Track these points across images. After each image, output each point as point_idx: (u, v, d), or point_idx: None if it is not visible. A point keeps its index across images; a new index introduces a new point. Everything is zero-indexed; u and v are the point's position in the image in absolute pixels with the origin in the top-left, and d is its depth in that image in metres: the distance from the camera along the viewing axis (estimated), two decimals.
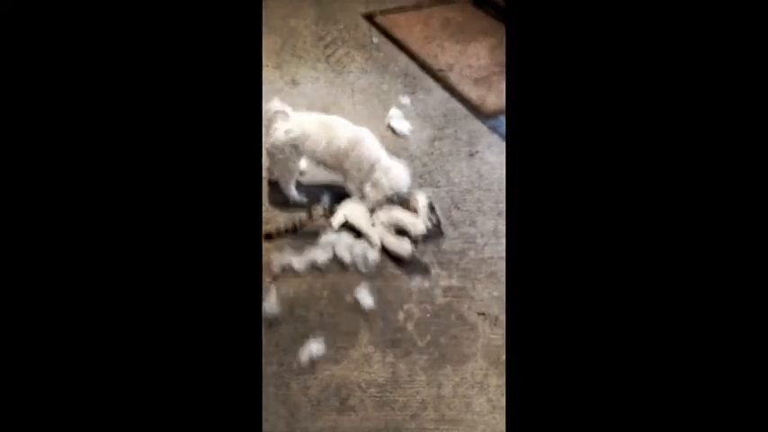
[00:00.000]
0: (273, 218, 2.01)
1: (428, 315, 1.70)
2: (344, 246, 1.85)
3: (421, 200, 1.93)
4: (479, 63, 3.01)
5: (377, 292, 1.75)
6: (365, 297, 1.71)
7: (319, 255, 1.83)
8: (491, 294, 1.77)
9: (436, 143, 2.42)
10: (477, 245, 1.94)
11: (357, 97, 2.71)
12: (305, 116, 2.02)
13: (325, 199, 2.06)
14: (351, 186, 2.02)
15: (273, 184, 2.10)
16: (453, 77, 2.88)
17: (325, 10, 3.51)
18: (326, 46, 3.14)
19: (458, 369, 1.55)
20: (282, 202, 2.07)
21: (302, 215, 1.95)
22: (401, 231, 1.87)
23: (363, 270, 1.82)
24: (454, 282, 1.81)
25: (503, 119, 2.57)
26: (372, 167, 1.93)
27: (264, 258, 1.81)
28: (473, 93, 2.76)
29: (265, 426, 1.38)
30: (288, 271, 1.79)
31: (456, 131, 2.50)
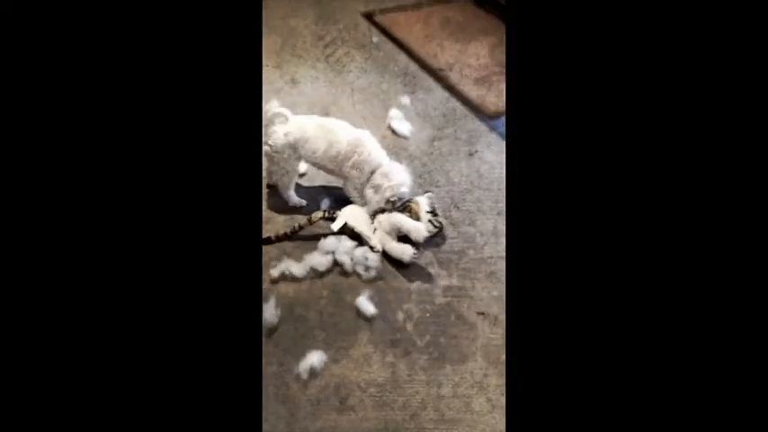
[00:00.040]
0: (272, 222, 1.98)
1: (428, 315, 1.70)
2: (345, 251, 1.83)
3: (422, 204, 1.91)
4: (479, 62, 3.00)
5: (376, 292, 1.75)
6: (366, 306, 1.69)
7: (319, 260, 1.81)
8: (490, 294, 1.77)
9: (436, 143, 2.42)
10: (476, 244, 1.94)
11: (357, 97, 2.70)
12: (304, 119, 2.00)
13: (326, 203, 2.04)
14: (351, 190, 2.00)
15: (272, 188, 2.07)
16: (453, 77, 2.88)
17: (325, 10, 3.51)
18: (326, 45, 3.13)
19: (457, 369, 1.55)
20: (281, 205, 2.04)
21: (302, 219, 1.92)
22: (403, 237, 1.85)
23: (364, 275, 1.79)
24: (454, 281, 1.81)
25: (502, 118, 2.56)
26: (373, 171, 1.91)
27: (263, 263, 1.79)
28: (473, 92, 2.76)
29: (265, 426, 1.38)
30: (287, 276, 1.77)
31: (455, 131, 2.50)
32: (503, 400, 1.46)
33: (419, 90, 2.77)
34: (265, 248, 1.86)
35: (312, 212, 1.93)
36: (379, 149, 1.97)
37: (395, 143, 2.40)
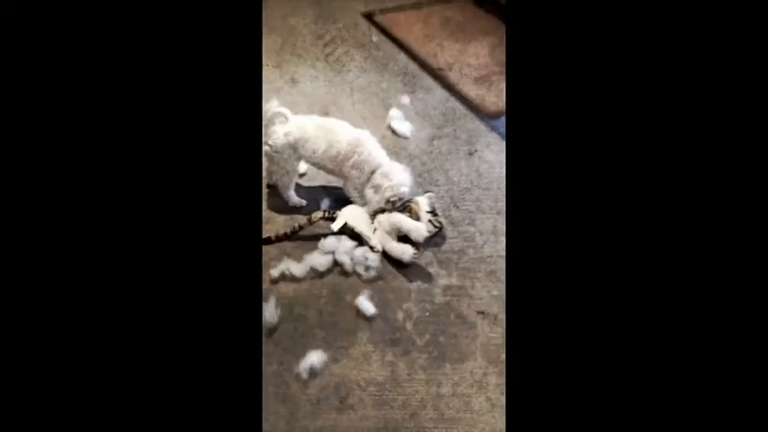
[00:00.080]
0: (272, 222, 1.98)
1: (427, 314, 1.70)
2: (345, 251, 1.82)
3: (422, 204, 1.91)
4: (479, 62, 3.00)
5: (376, 292, 1.75)
6: (366, 306, 1.69)
7: (319, 260, 1.80)
8: (490, 293, 1.77)
9: (435, 142, 2.42)
10: (476, 244, 1.94)
11: (356, 96, 2.70)
12: (304, 119, 1.99)
13: (326, 203, 2.04)
14: (351, 190, 2.00)
15: (272, 188, 2.06)
16: (453, 77, 2.88)
17: (325, 9, 3.51)
18: (326, 45, 3.13)
19: (457, 368, 1.55)
20: (281, 206, 2.03)
21: (301, 219, 1.91)
22: (403, 237, 1.85)
23: (364, 275, 1.79)
24: (453, 281, 1.81)
25: (502, 118, 2.56)
26: (373, 171, 1.91)
27: (263, 263, 1.79)
28: (473, 92, 2.76)
29: (265, 425, 1.38)
30: (287, 276, 1.77)
31: (455, 130, 2.50)
32: (502, 400, 1.47)
33: (419, 90, 2.77)
34: (265, 248, 1.86)
35: (312, 212, 1.92)
36: (379, 149, 1.96)
37: (395, 143, 2.40)
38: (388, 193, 1.87)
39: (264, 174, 2.03)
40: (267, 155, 1.94)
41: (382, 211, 1.90)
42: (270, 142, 1.91)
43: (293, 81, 2.80)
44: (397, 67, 2.95)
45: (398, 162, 2.00)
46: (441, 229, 1.92)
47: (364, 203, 1.95)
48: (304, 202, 2.04)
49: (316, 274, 1.79)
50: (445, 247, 1.93)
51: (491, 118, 2.58)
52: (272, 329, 1.61)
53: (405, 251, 1.81)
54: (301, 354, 1.55)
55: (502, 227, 1.99)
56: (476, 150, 2.38)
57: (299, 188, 2.08)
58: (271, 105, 1.95)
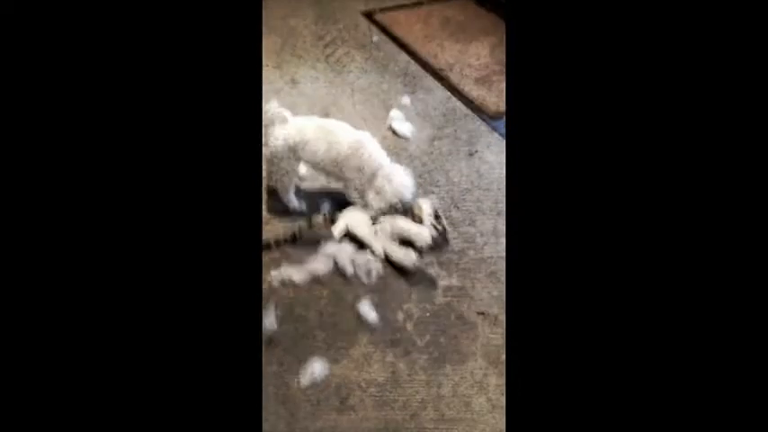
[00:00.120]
0: (272, 226, 1.95)
1: (428, 314, 1.70)
2: (346, 256, 1.80)
3: (425, 207, 1.87)
4: (480, 62, 3.00)
5: (376, 293, 1.75)
6: (368, 312, 1.67)
7: (320, 266, 1.78)
8: (490, 294, 1.77)
9: (435, 143, 2.42)
10: (476, 244, 1.94)
11: (357, 97, 2.71)
12: (304, 120, 1.96)
13: (326, 206, 2.01)
14: (352, 193, 1.96)
15: (271, 192, 2.02)
16: (453, 77, 2.87)
17: (325, 9, 3.51)
18: (326, 45, 3.13)
19: (457, 369, 1.55)
20: (281, 209, 2.01)
21: (302, 224, 1.88)
22: (405, 241, 1.81)
23: (366, 282, 1.76)
24: (454, 281, 1.81)
25: (503, 118, 2.57)
26: (374, 174, 1.87)
27: (263, 265, 1.77)
28: (473, 92, 2.76)
29: (265, 426, 1.38)
30: (286, 283, 1.75)
31: (455, 131, 2.50)
32: (503, 400, 1.47)
33: (419, 90, 2.77)
34: (265, 252, 1.84)
35: (312, 216, 1.90)
36: (381, 151, 1.92)
37: (395, 143, 2.40)
38: (389, 196, 1.84)
39: (263, 177, 2.00)
40: (265, 158, 1.91)
41: (384, 214, 1.87)
42: (269, 144, 1.88)
43: (293, 82, 2.80)
44: (397, 67, 2.95)
45: (399, 163, 1.98)
46: (445, 234, 1.88)
47: (365, 207, 1.91)
48: (304, 206, 2.01)
49: (315, 279, 1.77)
50: (445, 247, 1.93)
51: (492, 118, 2.58)
52: (271, 338, 1.59)
53: (408, 257, 1.77)
54: (301, 354, 1.55)
55: (502, 228, 1.99)
56: (476, 151, 2.38)
57: (298, 191, 2.06)
58: (271, 106, 1.93)
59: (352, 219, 1.87)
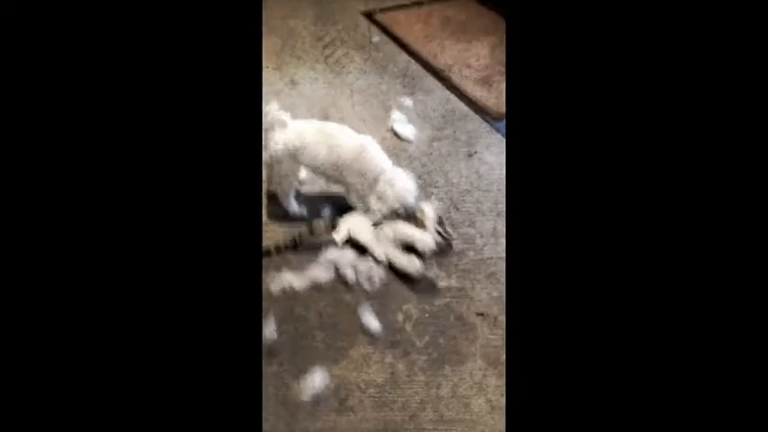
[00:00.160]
0: (272, 231, 1.93)
1: (427, 315, 1.70)
2: (348, 263, 1.77)
3: (428, 212, 1.84)
4: (480, 63, 3.00)
5: (378, 299, 1.75)
6: (371, 320, 1.66)
7: (321, 273, 1.75)
8: (490, 295, 1.77)
9: (435, 144, 2.42)
10: (476, 245, 1.94)
11: (356, 98, 2.71)
12: (303, 124, 1.93)
13: (327, 212, 1.98)
14: (354, 198, 1.93)
15: (271, 196, 1.99)
16: (454, 77, 2.87)
17: (325, 10, 3.51)
18: (325, 46, 3.13)
19: (456, 369, 1.55)
20: (281, 214, 1.98)
21: (302, 229, 1.85)
22: (408, 247, 1.78)
23: (368, 289, 1.74)
24: (453, 282, 1.81)
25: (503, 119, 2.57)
26: (376, 178, 1.83)
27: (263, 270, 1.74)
28: (474, 93, 2.75)
29: (265, 426, 1.38)
30: (287, 290, 1.72)
31: (455, 132, 2.50)
32: (502, 401, 1.46)
33: (418, 91, 2.77)
34: (265, 257, 1.82)
35: (313, 221, 1.89)
36: (382, 155, 1.89)
37: (394, 145, 2.39)
38: (392, 202, 1.81)
39: (263, 180, 1.97)
40: (265, 162, 1.88)
41: (386, 220, 1.83)
42: (269, 148, 1.86)
43: (293, 83, 2.80)
44: (396, 68, 2.95)
45: (398, 164, 1.96)
46: (448, 238, 1.84)
47: (367, 212, 1.87)
48: (305, 212, 1.99)
49: (316, 285, 1.74)
50: (449, 252, 1.92)
51: (493, 119, 2.58)
52: (271, 348, 1.57)
53: (412, 263, 1.74)
54: (302, 355, 1.54)
55: (502, 228, 1.99)
56: (475, 152, 2.38)
57: (298, 196, 2.04)
58: (270, 108, 1.90)
59: (353, 224, 1.84)
